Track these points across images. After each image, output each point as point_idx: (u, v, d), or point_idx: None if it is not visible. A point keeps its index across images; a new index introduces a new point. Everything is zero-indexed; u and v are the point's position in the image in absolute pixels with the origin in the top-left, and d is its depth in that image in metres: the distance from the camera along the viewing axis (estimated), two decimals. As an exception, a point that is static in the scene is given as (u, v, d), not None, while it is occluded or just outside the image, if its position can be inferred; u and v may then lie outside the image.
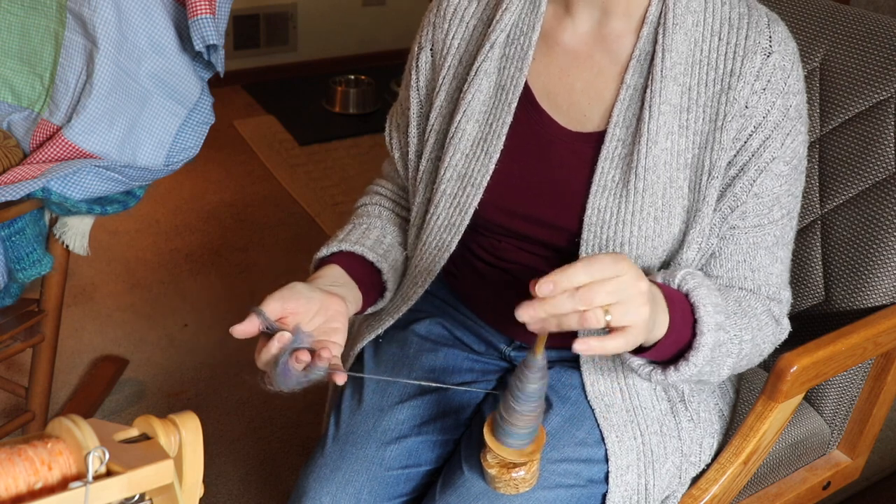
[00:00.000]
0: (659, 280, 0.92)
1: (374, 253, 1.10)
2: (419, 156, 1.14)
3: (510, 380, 0.83)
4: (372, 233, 1.14)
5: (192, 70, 1.53)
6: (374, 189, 1.25)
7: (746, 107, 0.95)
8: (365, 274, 1.08)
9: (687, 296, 0.91)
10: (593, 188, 0.99)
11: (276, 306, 0.91)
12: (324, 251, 1.10)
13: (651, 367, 0.93)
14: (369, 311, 1.13)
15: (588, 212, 0.99)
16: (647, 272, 0.99)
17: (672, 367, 0.91)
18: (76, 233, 1.57)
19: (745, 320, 0.96)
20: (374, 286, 1.10)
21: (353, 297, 1.02)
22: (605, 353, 0.80)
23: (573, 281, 0.77)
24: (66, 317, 2.14)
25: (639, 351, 0.91)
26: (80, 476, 0.54)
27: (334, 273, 1.03)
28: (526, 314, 0.78)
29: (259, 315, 0.89)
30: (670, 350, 0.90)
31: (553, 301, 0.77)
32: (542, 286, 0.77)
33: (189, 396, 2.02)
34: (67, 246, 1.57)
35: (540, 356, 0.81)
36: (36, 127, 1.52)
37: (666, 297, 0.88)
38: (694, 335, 0.90)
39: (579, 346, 0.78)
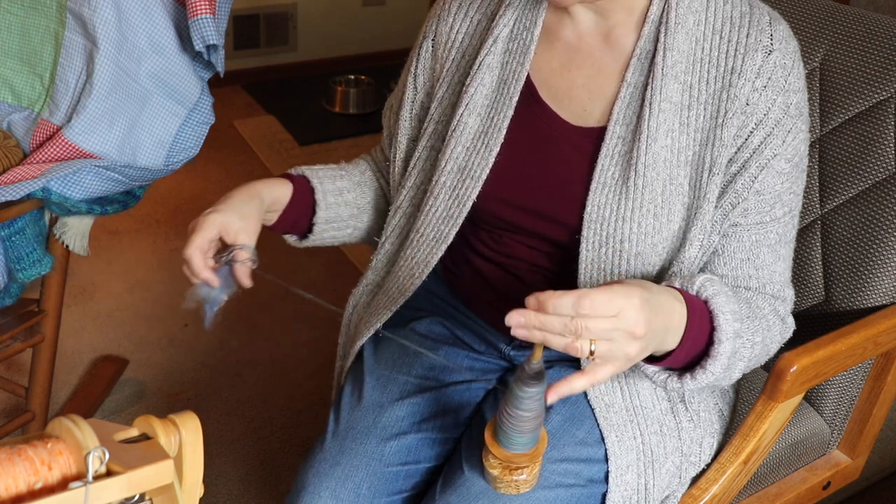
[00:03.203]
0: (677, 285, 0.92)
1: (324, 197, 1.18)
2: (413, 140, 1.17)
3: (509, 386, 0.83)
4: (340, 182, 1.21)
5: (192, 70, 1.53)
6: (370, 154, 1.33)
7: (747, 104, 0.96)
8: (302, 205, 1.16)
9: (706, 303, 0.90)
10: (593, 185, 0.99)
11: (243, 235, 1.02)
12: (290, 171, 1.19)
13: (666, 375, 0.93)
14: (280, 232, 1.18)
15: (588, 208, 0.99)
16: (647, 275, 0.99)
17: (688, 375, 0.91)
18: (76, 233, 1.57)
19: (756, 323, 0.96)
20: (303, 220, 1.17)
21: (268, 220, 1.12)
22: (572, 393, 0.81)
23: (557, 309, 0.77)
24: (66, 317, 2.14)
25: (652, 359, 0.91)
26: (80, 476, 0.54)
27: (281, 194, 1.12)
28: (514, 320, 0.78)
29: (252, 257, 1.00)
30: (685, 359, 0.90)
31: (545, 318, 0.78)
32: (529, 300, 0.78)
33: (189, 396, 2.02)
34: (67, 246, 1.57)
35: (537, 361, 0.81)
36: (36, 127, 1.52)
37: (688, 309, 0.88)
38: (710, 343, 0.90)
39: (552, 397, 0.81)
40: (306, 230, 1.19)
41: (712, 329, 0.90)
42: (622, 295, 0.79)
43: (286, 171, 1.19)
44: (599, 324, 0.77)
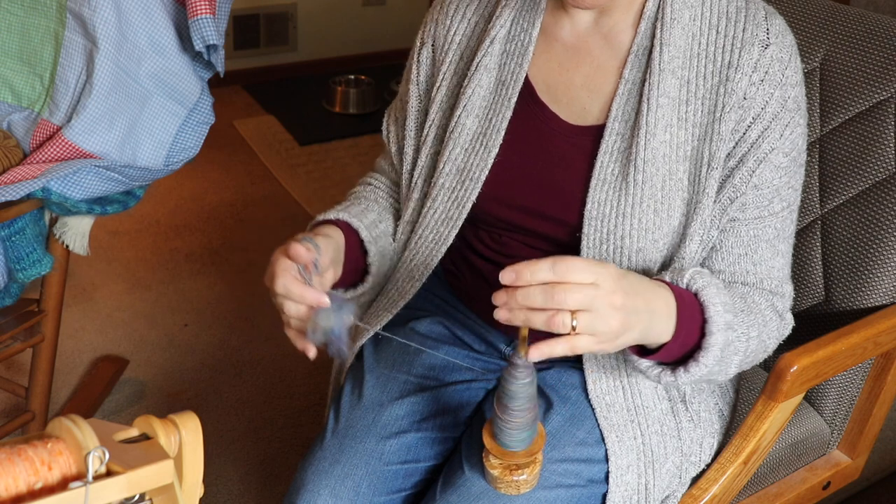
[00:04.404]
0: (667, 279, 0.92)
1: (368, 233, 1.11)
2: (417, 150, 1.15)
3: (500, 381, 0.84)
4: (370, 214, 1.15)
5: (192, 70, 1.53)
6: (368, 181, 1.26)
7: (745, 98, 0.96)
8: (353, 250, 1.08)
9: (696, 295, 0.91)
10: (593, 182, 0.99)
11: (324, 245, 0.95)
12: (321, 217, 1.10)
13: (660, 369, 0.93)
14: (339, 291, 1.11)
15: (588, 205, 0.99)
16: (649, 270, 0.99)
17: (682, 368, 0.91)
18: (76, 233, 1.57)
19: (751, 317, 0.96)
20: (356, 267, 1.10)
21: (339, 268, 1.03)
22: (552, 355, 0.81)
23: (536, 276, 0.78)
24: (66, 317, 2.14)
25: (645, 353, 0.91)
26: (80, 476, 0.54)
27: (336, 236, 1.03)
28: (499, 299, 0.80)
29: (315, 246, 0.91)
30: (679, 351, 0.91)
31: (523, 291, 0.79)
32: (505, 273, 0.79)
33: (189, 396, 2.02)
34: (67, 246, 1.57)
35: (524, 354, 0.82)
36: (36, 127, 1.52)
37: (676, 298, 0.88)
38: (703, 335, 0.90)
39: (534, 354, 0.81)
40: (364, 272, 1.13)
41: (704, 321, 0.90)
42: (598, 264, 0.80)
43: (320, 218, 1.10)
44: (579, 292, 0.78)
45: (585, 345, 0.81)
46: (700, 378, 0.91)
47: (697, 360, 0.90)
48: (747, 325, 0.95)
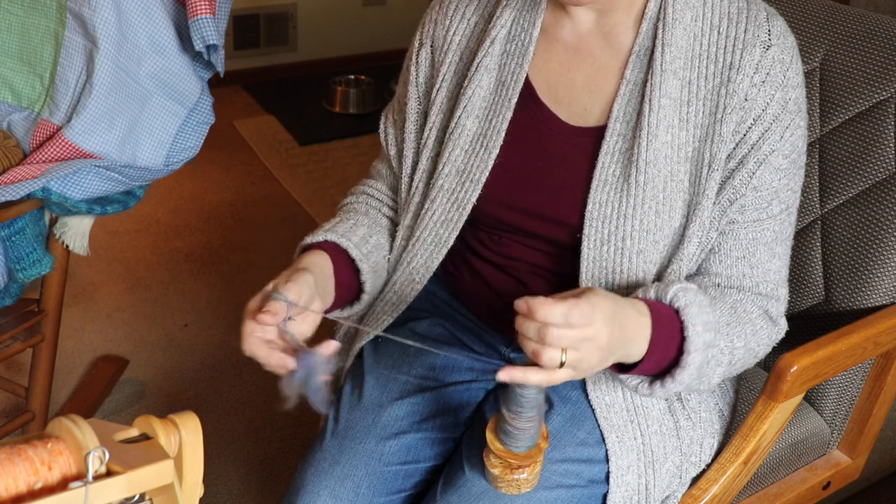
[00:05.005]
0: (651, 294, 0.93)
1: (358, 251, 1.08)
2: (418, 153, 1.14)
3: (509, 385, 0.84)
4: (359, 230, 1.12)
5: (192, 70, 1.53)
6: (362, 189, 1.24)
7: (746, 99, 0.96)
8: (344, 270, 1.06)
9: (678, 312, 0.91)
10: (594, 183, 0.99)
11: (296, 292, 0.90)
12: (309, 239, 1.08)
13: (638, 381, 0.95)
14: (336, 313, 1.08)
15: (589, 206, 0.99)
16: (648, 273, 0.99)
17: (658, 383, 0.92)
18: (76, 233, 1.57)
19: (738, 328, 0.96)
20: (350, 286, 1.08)
21: (329, 295, 1.01)
22: (525, 381, 0.82)
23: (547, 318, 0.79)
24: (66, 317, 2.14)
25: (623, 368, 0.92)
26: (80, 476, 0.54)
27: (321, 263, 1.01)
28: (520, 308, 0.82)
29: (285, 301, 0.88)
30: (655, 369, 0.92)
31: (520, 320, 0.80)
32: (519, 303, 0.80)
33: (189, 396, 2.02)
34: (67, 246, 1.57)
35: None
36: (36, 127, 1.52)
37: (654, 316, 0.89)
38: (681, 353, 0.91)
39: (503, 375, 0.81)
40: (357, 291, 1.11)
41: (683, 339, 0.91)
42: (599, 307, 0.82)
43: (306, 242, 1.08)
44: (572, 333, 0.80)
45: (562, 377, 0.82)
46: (677, 392, 0.93)
47: (674, 376, 0.91)
48: (732, 338, 0.96)
